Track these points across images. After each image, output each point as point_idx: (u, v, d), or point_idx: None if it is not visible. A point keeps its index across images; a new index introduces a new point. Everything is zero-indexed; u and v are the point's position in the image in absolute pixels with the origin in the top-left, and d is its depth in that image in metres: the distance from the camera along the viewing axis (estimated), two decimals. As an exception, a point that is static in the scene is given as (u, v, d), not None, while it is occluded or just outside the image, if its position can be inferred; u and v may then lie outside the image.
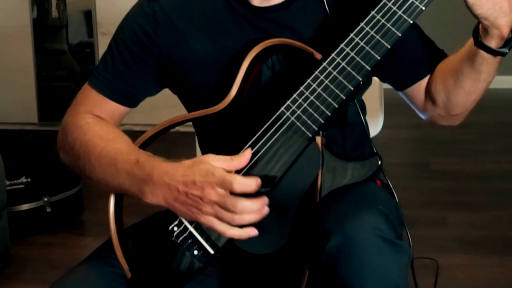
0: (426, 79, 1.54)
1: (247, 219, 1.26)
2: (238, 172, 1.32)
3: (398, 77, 1.55)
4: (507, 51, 1.36)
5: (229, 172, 1.28)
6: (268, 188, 1.34)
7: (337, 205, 1.29)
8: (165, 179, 1.29)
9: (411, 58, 1.53)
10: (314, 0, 1.48)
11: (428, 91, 1.53)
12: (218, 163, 1.28)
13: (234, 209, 1.24)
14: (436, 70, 1.51)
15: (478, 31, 1.36)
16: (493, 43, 1.34)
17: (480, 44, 1.35)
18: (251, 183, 1.26)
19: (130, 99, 1.56)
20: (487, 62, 1.38)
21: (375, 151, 1.41)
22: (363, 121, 1.51)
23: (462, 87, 1.44)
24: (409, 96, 1.58)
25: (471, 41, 1.39)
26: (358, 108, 1.47)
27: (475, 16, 1.31)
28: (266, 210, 1.27)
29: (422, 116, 1.61)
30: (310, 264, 1.28)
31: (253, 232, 1.29)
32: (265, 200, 1.27)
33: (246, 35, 1.47)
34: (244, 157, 1.32)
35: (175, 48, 1.51)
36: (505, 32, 1.33)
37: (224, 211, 1.25)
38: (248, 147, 1.35)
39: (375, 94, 1.82)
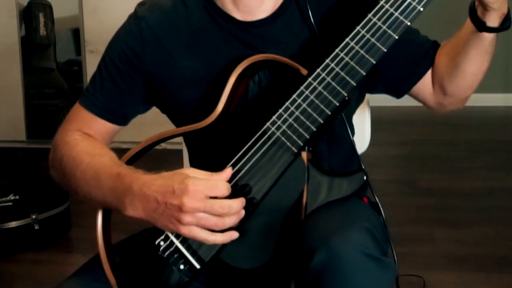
0: (428, 74, 1.52)
1: (228, 222, 1.28)
2: None
3: (398, 82, 1.54)
4: (510, 24, 1.38)
5: None
6: (252, 203, 1.35)
7: (323, 222, 1.29)
8: (143, 190, 1.29)
9: (406, 60, 1.51)
10: (300, 15, 1.49)
11: (437, 84, 1.52)
12: (198, 175, 1.29)
13: (223, 210, 1.25)
14: (439, 63, 1.50)
15: (476, 17, 1.36)
16: (496, 23, 1.36)
17: (486, 28, 1.36)
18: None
19: (119, 117, 1.57)
20: (492, 40, 1.40)
21: (362, 167, 1.41)
22: (351, 138, 1.51)
23: (471, 72, 1.45)
24: (415, 94, 1.56)
25: (468, 28, 1.40)
26: (347, 124, 1.47)
27: (484, 2, 1.31)
28: (243, 211, 1.31)
29: (431, 107, 1.58)
30: (296, 281, 1.28)
31: (234, 234, 1.31)
32: (243, 200, 1.30)
33: (233, 50, 1.48)
34: (224, 174, 1.32)
35: (163, 65, 1.52)
36: (505, 9, 1.35)
37: (209, 217, 1.26)
38: (233, 163, 1.36)
39: (362, 111, 1.82)
